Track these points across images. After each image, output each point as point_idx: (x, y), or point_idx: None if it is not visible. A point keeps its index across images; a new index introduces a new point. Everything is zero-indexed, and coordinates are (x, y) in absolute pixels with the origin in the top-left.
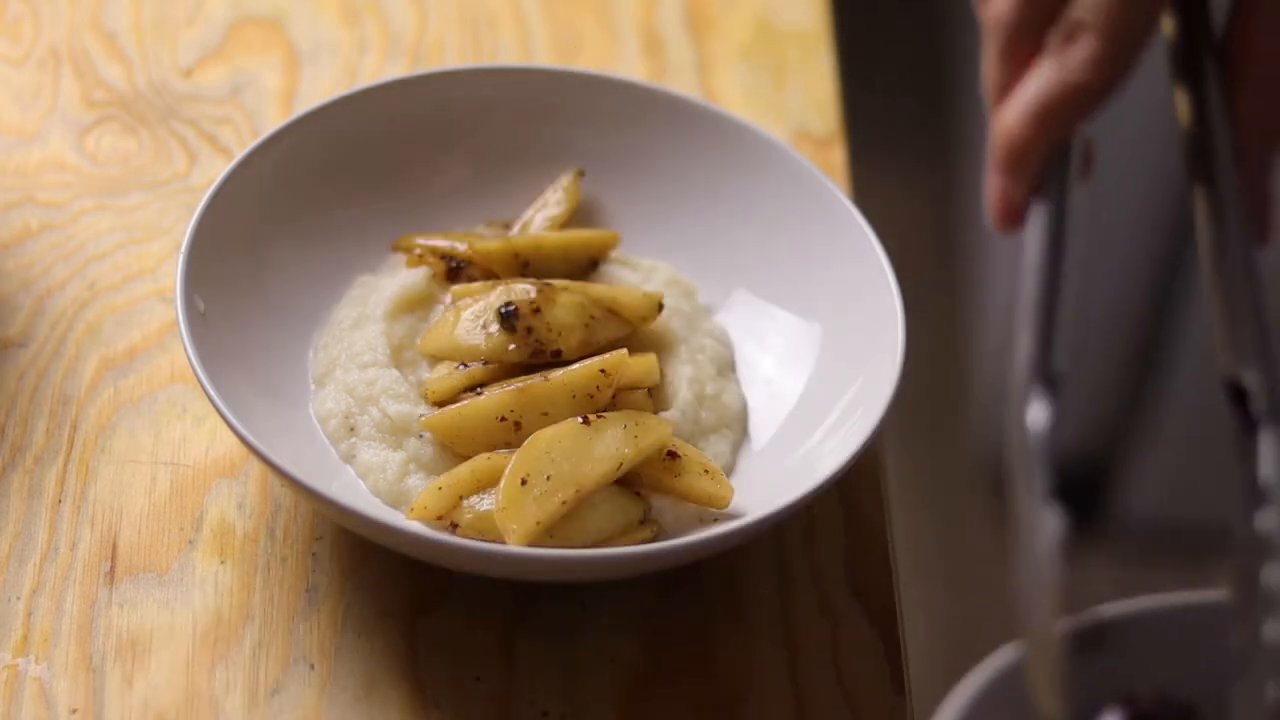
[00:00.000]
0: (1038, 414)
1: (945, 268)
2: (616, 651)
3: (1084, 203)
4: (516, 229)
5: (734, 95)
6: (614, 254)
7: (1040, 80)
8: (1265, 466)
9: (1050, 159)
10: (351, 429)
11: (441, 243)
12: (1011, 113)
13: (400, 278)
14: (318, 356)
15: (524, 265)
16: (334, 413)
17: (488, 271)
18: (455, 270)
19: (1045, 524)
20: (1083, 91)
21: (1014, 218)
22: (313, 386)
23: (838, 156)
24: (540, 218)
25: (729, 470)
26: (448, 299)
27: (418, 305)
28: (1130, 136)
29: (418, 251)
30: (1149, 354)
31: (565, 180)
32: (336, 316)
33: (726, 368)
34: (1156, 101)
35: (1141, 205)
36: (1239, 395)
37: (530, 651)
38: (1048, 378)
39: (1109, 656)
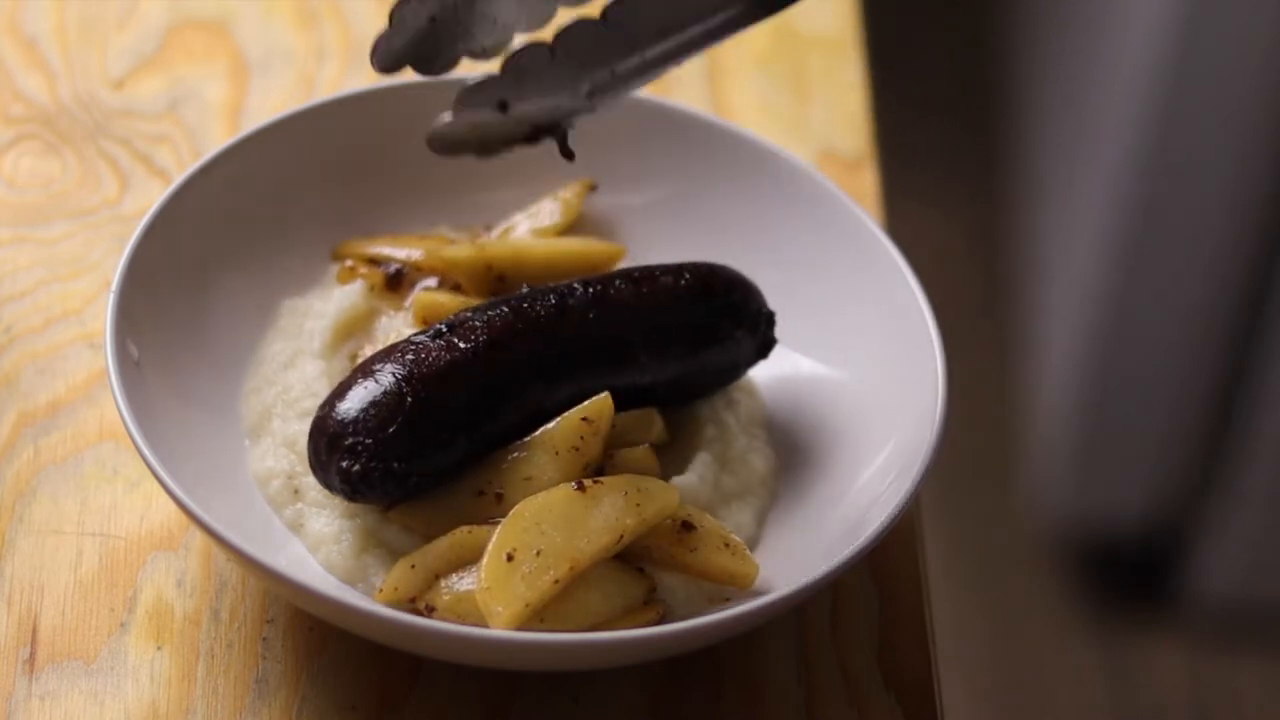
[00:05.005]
0: None
1: (990, 307)
2: None
3: (1158, 213)
4: (495, 234)
5: (749, 109)
6: (617, 269)
7: None
8: None
9: None
10: (295, 491)
11: (386, 249)
12: None
13: (334, 299)
14: (248, 401)
15: (498, 279)
16: (275, 472)
17: (450, 282)
18: (396, 277)
19: None
20: None
21: None
22: (246, 441)
23: (868, 180)
24: (527, 225)
25: (753, 542)
26: (392, 315)
27: (357, 328)
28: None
29: (349, 264)
30: (1229, 395)
31: (568, 190)
32: (266, 353)
33: (754, 424)
34: (1240, 129)
35: (1225, 217)
36: None
37: None
38: None
39: None
